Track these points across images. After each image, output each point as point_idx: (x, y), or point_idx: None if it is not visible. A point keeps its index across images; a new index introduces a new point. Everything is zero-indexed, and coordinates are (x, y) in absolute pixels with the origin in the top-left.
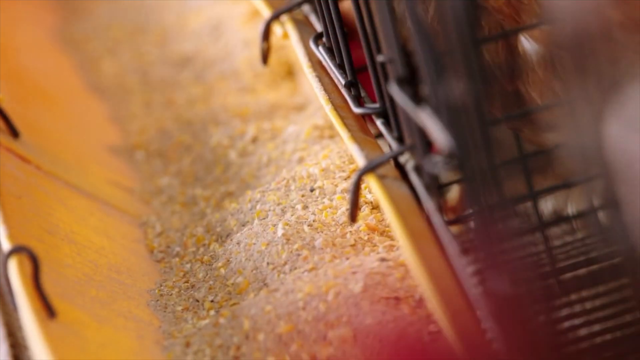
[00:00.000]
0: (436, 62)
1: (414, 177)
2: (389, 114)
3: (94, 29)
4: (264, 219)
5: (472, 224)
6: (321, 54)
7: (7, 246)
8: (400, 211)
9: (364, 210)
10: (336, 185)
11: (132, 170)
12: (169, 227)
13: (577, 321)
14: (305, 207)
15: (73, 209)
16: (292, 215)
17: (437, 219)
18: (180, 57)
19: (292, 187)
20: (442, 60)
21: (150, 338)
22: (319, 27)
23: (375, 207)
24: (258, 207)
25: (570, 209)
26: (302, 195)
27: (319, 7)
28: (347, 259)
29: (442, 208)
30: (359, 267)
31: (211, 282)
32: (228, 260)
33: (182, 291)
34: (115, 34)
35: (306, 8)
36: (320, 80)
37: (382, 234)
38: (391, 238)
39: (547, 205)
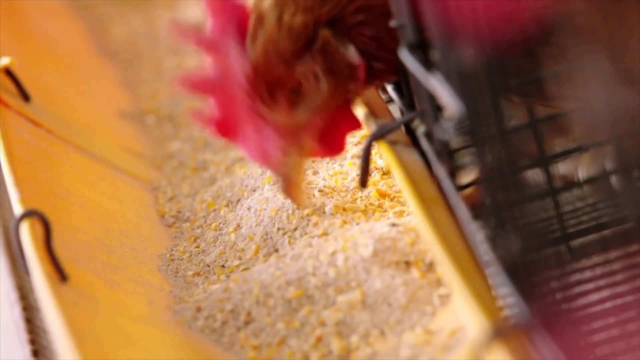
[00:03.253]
0: (447, 27)
1: (424, 143)
2: (400, 79)
3: None
4: (274, 184)
5: (483, 190)
6: None
7: (18, 210)
8: (410, 177)
9: (375, 176)
10: (346, 151)
11: (142, 135)
12: (179, 192)
13: (587, 286)
14: (315, 173)
15: (84, 174)
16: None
17: (447, 184)
18: (191, 22)
19: None
20: (453, 26)
21: (161, 303)
22: None
23: (386, 173)
24: (268, 172)
25: (581, 174)
26: (313, 161)
27: None
28: (358, 224)
29: (452, 173)
30: (369, 232)
31: (222, 247)
32: (238, 226)
33: (192, 256)
34: None
35: None
36: None
37: (392, 199)
38: (402, 204)
39: (558, 170)
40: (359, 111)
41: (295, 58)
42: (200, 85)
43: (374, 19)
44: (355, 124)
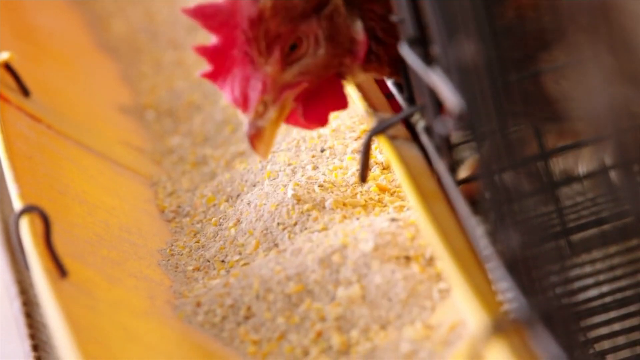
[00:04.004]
0: (448, 22)
1: (424, 138)
2: (401, 74)
3: None
4: (274, 179)
5: (482, 184)
6: None
7: (18, 205)
8: (410, 172)
9: (375, 171)
10: (347, 146)
11: (142, 129)
12: (179, 187)
13: (587, 281)
14: (315, 168)
15: (84, 169)
16: (302, 176)
17: (447, 179)
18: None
19: (303, 148)
20: (453, 20)
21: (161, 298)
22: None
23: (386, 168)
24: (268, 167)
25: (581, 169)
26: (313, 156)
27: None
28: (358, 219)
29: (452, 168)
30: (370, 227)
31: (222, 242)
32: (238, 221)
33: (192, 251)
34: None
35: None
36: None
37: (392, 194)
38: (402, 198)
39: (558, 165)
40: (351, 92)
41: (301, 17)
42: (208, 19)
43: None
44: (342, 103)
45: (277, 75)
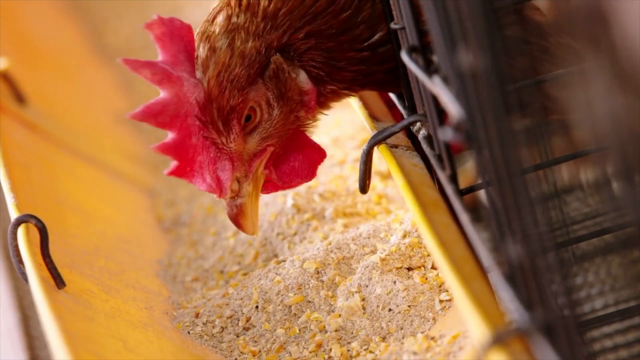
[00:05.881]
0: (449, 30)
1: (425, 147)
2: (402, 83)
3: None
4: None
5: (484, 193)
6: None
7: (14, 215)
8: (411, 181)
9: (375, 180)
10: (347, 155)
11: (140, 138)
12: (177, 196)
13: (589, 292)
14: (316, 177)
15: (81, 178)
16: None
17: (449, 188)
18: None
19: None
20: (454, 28)
21: (159, 308)
22: None
23: (387, 177)
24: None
25: (583, 179)
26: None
27: None
28: (358, 228)
29: (454, 177)
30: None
31: (220, 253)
32: (237, 231)
33: (191, 261)
34: None
35: None
36: None
37: (393, 203)
38: (402, 208)
39: (560, 175)
40: (352, 101)
41: (248, 84)
42: (157, 117)
43: (324, 42)
44: (319, 152)
45: (241, 148)
